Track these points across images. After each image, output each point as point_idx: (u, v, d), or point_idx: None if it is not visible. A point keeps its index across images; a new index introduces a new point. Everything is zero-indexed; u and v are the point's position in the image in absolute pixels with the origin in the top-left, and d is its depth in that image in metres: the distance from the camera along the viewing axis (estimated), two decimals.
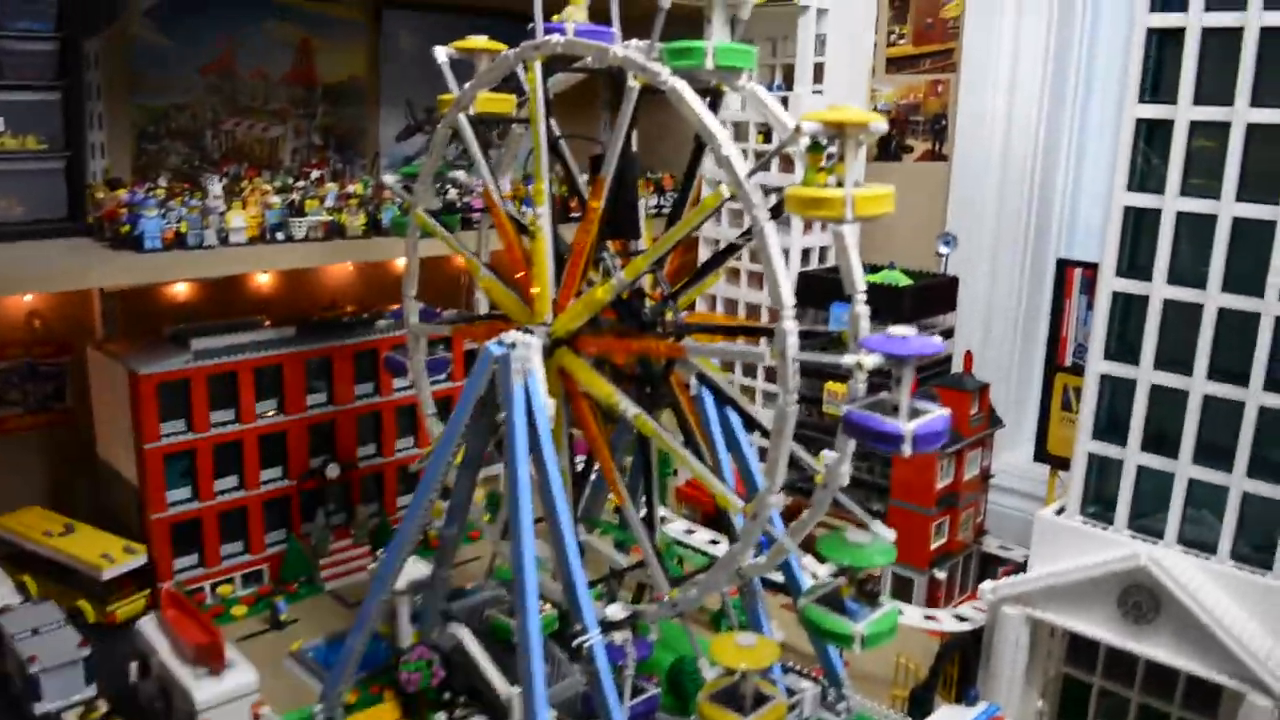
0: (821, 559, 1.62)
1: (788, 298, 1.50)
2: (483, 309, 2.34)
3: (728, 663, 1.76)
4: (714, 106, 1.80)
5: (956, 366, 3.11)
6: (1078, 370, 2.85)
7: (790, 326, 1.50)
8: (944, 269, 3.06)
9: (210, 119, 3.26)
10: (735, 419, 1.94)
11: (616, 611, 1.81)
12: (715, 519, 2.79)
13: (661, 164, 3.60)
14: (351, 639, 2.12)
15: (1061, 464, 2.97)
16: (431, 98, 3.77)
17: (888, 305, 2.83)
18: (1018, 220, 3.28)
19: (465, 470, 1.99)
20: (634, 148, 1.84)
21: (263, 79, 3.39)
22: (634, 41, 1.80)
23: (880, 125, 1.48)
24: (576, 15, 1.88)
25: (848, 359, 1.46)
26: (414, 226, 2.23)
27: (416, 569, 2.24)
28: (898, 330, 1.50)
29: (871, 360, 1.45)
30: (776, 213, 1.55)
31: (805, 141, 1.45)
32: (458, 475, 2.00)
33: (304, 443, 2.84)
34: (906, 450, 1.46)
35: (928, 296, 2.99)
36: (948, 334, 3.06)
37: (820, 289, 2.91)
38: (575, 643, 1.71)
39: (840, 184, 1.47)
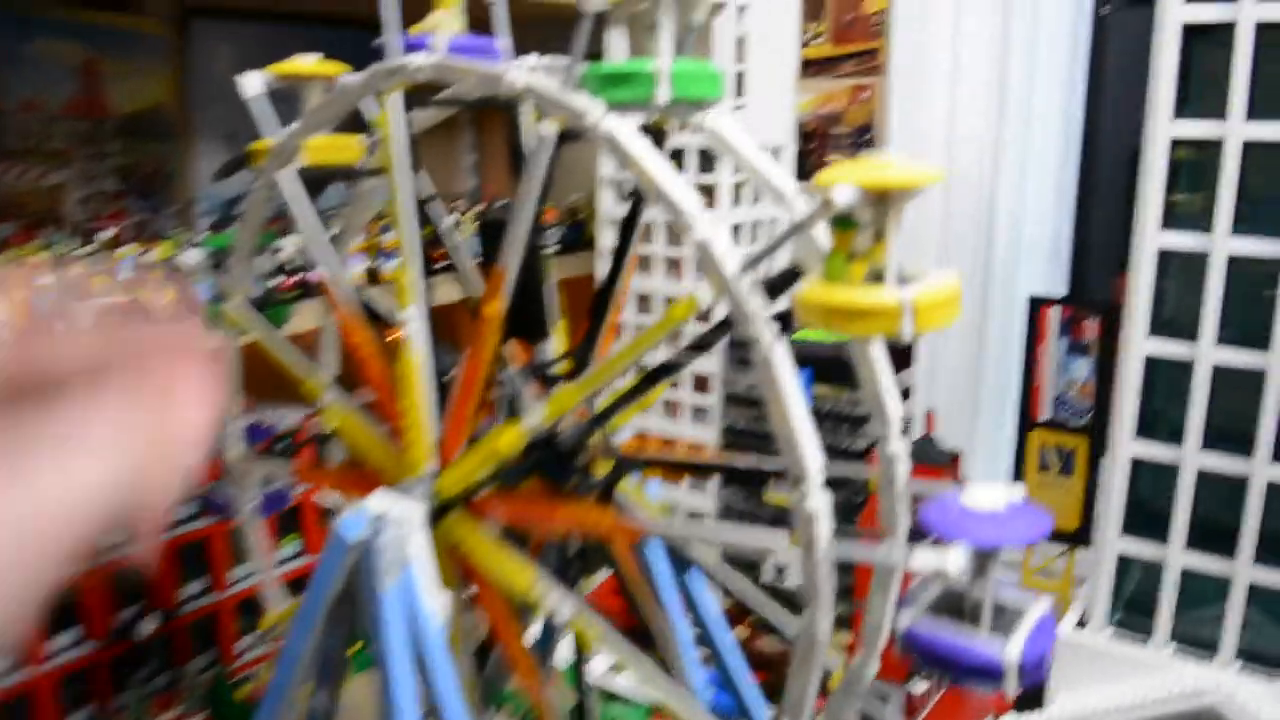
0: None
1: (811, 460, 0.97)
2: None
3: None
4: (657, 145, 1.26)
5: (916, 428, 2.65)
6: (1057, 426, 2.43)
7: (819, 505, 0.97)
8: None
9: None
10: (707, 600, 1.40)
11: None
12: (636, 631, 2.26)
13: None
14: None
15: None
16: (256, 127, 3.16)
17: (833, 367, 2.37)
18: (972, 252, 2.83)
19: (324, 685, 1.39)
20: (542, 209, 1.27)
21: (37, 112, 2.67)
22: (536, 59, 1.25)
23: (937, 179, 0.97)
24: (447, 24, 1.30)
25: (923, 561, 0.94)
26: (229, 324, 1.61)
27: None
28: (981, 493, 0.99)
29: (960, 561, 0.93)
30: (786, 326, 1.01)
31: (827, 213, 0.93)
32: (314, 690, 1.39)
33: (106, 593, 2.16)
34: (1010, 687, 0.95)
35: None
36: (906, 394, 2.60)
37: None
38: None
39: (880, 277, 0.96)
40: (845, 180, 0.92)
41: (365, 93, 1.29)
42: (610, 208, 2.64)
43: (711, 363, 2.46)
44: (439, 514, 1.27)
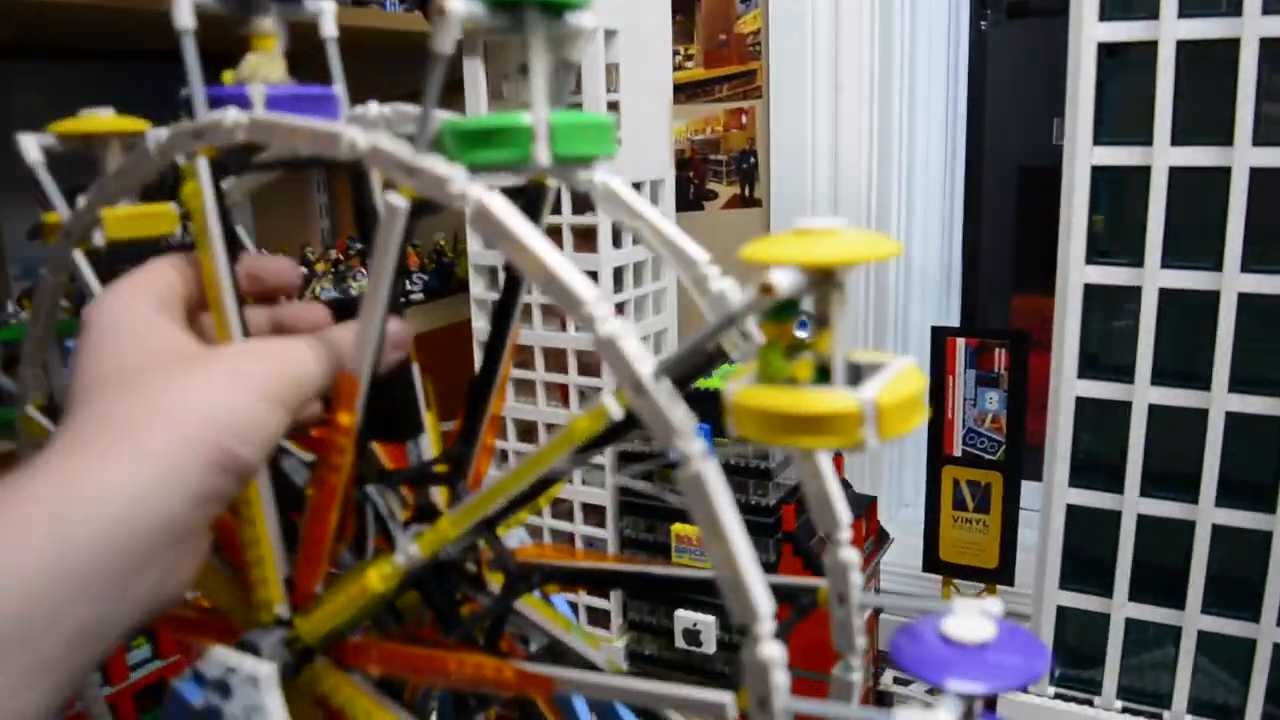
0: None
1: (761, 602, 0.78)
2: None
3: None
4: (534, 210, 1.06)
5: None
6: (970, 461, 2.33)
7: (774, 654, 0.78)
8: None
9: None
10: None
11: None
12: None
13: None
14: None
15: (956, 572, 2.44)
16: (77, 174, 2.82)
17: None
18: (862, 280, 2.72)
19: None
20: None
21: None
22: (378, 109, 1.04)
23: (897, 251, 0.80)
24: (266, 70, 1.06)
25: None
26: (21, 432, 1.33)
27: None
28: (967, 619, 0.82)
29: (953, 712, 0.76)
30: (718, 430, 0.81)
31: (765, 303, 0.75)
32: None
33: None
34: None
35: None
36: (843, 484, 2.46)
37: None
38: None
39: (827, 373, 0.78)
40: (783, 258, 0.74)
41: (169, 157, 1.05)
42: (481, 249, 2.42)
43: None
44: (300, 662, 1.04)
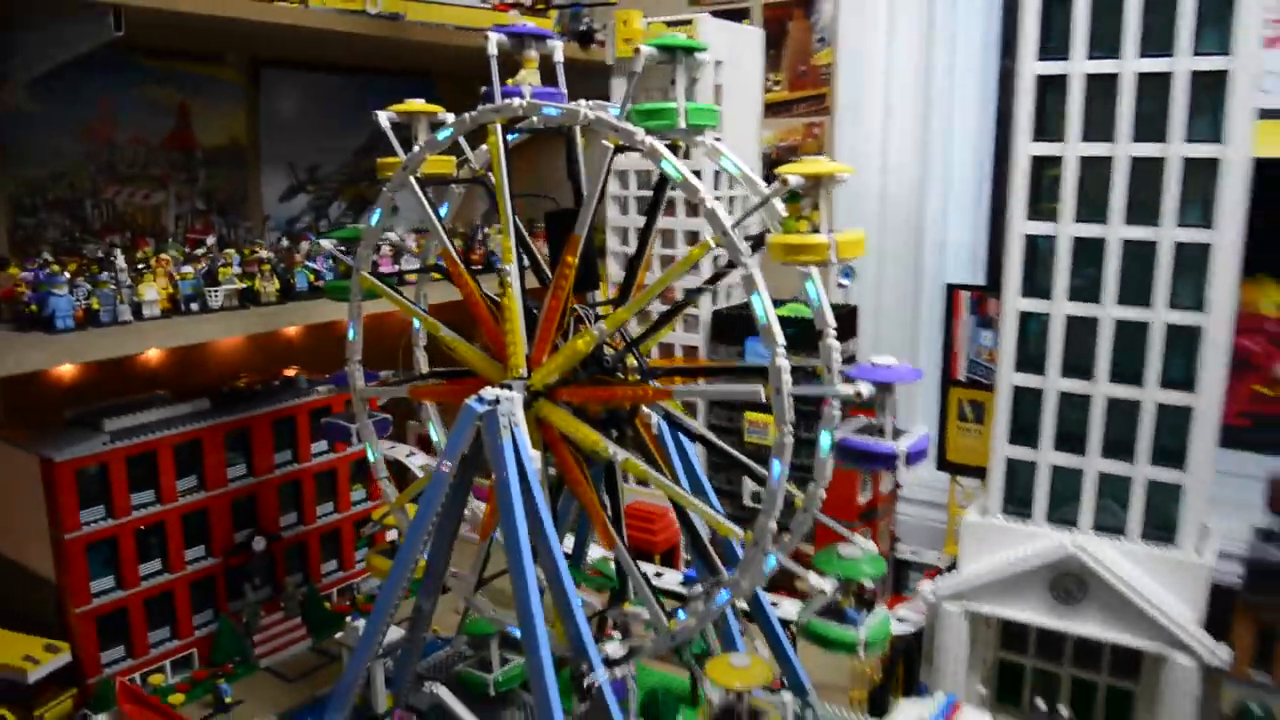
0: (821, 573, 1.74)
1: (779, 337, 1.61)
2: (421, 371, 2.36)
3: (726, 684, 1.84)
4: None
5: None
6: (971, 385, 3.10)
7: (783, 363, 1.61)
8: (846, 299, 3.27)
9: (89, 188, 3.13)
10: (695, 459, 2.05)
11: (617, 649, 1.86)
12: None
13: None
14: (331, 715, 2.08)
15: (961, 471, 3.20)
16: (310, 157, 3.77)
17: (799, 334, 3.02)
18: (902, 249, 3.53)
19: (442, 532, 1.99)
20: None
21: (142, 144, 3.28)
22: (595, 103, 1.89)
23: (848, 174, 1.62)
24: (530, 79, 1.94)
25: (846, 389, 1.59)
26: (357, 290, 2.23)
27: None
28: (881, 359, 1.64)
29: (868, 389, 1.58)
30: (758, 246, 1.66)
31: (784, 191, 1.58)
32: (434, 538, 2.00)
33: (227, 518, 2.75)
34: (901, 468, 1.59)
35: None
36: (850, 359, 3.26)
37: (733, 326, 3.06)
38: (585, 684, 1.74)
39: (817, 230, 1.61)
40: (795, 171, 1.57)
41: (477, 123, 1.93)
42: (616, 216, 3.29)
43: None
44: (531, 400, 1.90)
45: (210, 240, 3.09)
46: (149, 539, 2.58)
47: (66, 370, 2.84)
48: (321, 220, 3.83)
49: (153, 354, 3.01)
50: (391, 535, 2.85)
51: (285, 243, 3.31)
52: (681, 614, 1.92)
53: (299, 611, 2.87)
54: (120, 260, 2.55)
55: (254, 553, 2.77)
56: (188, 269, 2.64)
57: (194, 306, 2.60)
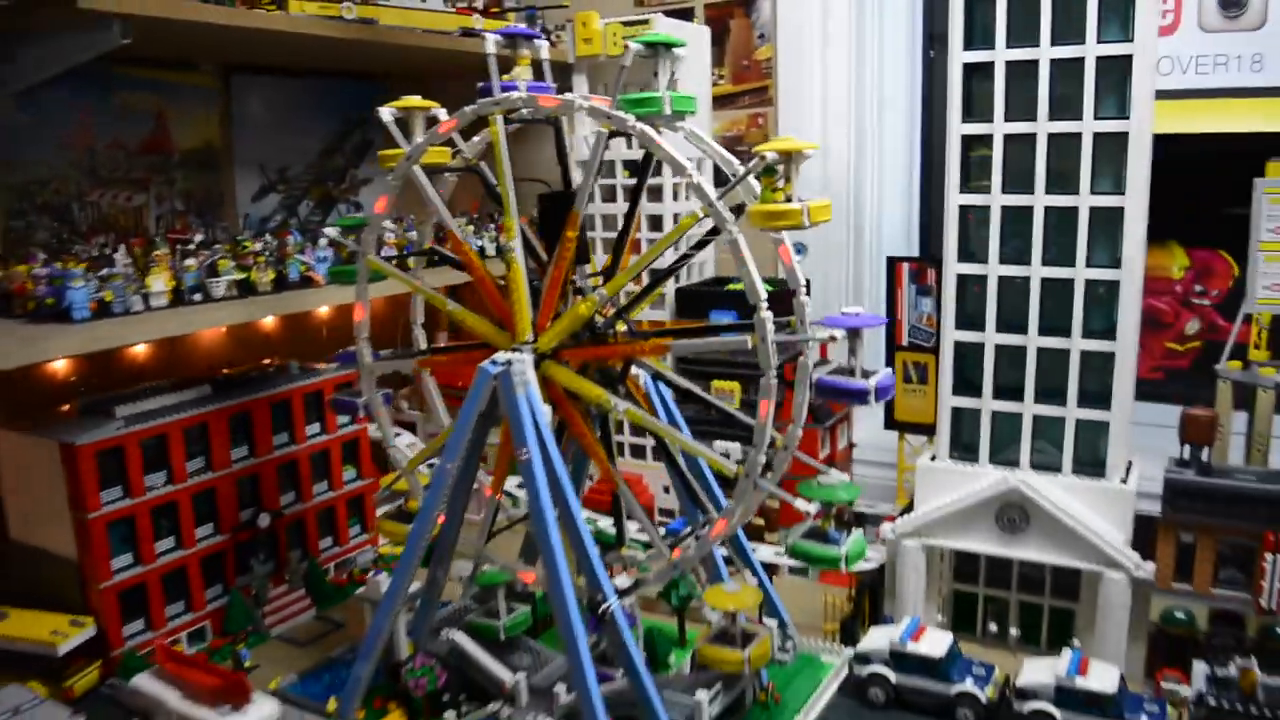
0: (807, 499, 1.99)
1: (762, 293, 1.86)
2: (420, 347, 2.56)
3: (721, 607, 2.08)
4: None
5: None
6: (914, 348, 3.39)
7: (767, 315, 1.86)
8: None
9: (75, 192, 3.25)
10: (679, 416, 2.29)
11: (624, 580, 2.09)
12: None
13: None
14: (359, 667, 2.26)
15: (909, 429, 3.50)
16: (280, 159, 3.92)
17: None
18: (844, 227, 3.82)
19: (459, 488, 2.20)
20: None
21: (121, 149, 3.41)
22: (588, 94, 2.12)
23: (814, 150, 1.88)
24: (524, 75, 2.17)
25: (820, 333, 1.84)
26: (364, 271, 2.42)
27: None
28: (849, 309, 1.90)
29: (840, 333, 1.83)
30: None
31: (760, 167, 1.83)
32: (452, 495, 2.20)
33: (233, 496, 2.91)
34: (872, 401, 1.85)
35: (786, 297, 3.45)
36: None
37: (698, 300, 3.31)
38: (600, 610, 1.97)
39: (790, 199, 1.86)
40: (770, 148, 1.82)
41: (478, 114, 2.14)
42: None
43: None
44: (539, 361, 2.11)
45: (198, 238, 3.23)
46: (164, 517, 2.74)
47: (60, 365, 2.97)
48: (292, 219, 3.98)
49: (140, 347, 3.15)
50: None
51: (272, 239, 3.46)
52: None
53: (302, 584, 3.04)
54: (123, 255, 2.70)
55: (260, 529, 2.94)
56: (190, 262, 2.80)
57: (197, 297, 2.76)
